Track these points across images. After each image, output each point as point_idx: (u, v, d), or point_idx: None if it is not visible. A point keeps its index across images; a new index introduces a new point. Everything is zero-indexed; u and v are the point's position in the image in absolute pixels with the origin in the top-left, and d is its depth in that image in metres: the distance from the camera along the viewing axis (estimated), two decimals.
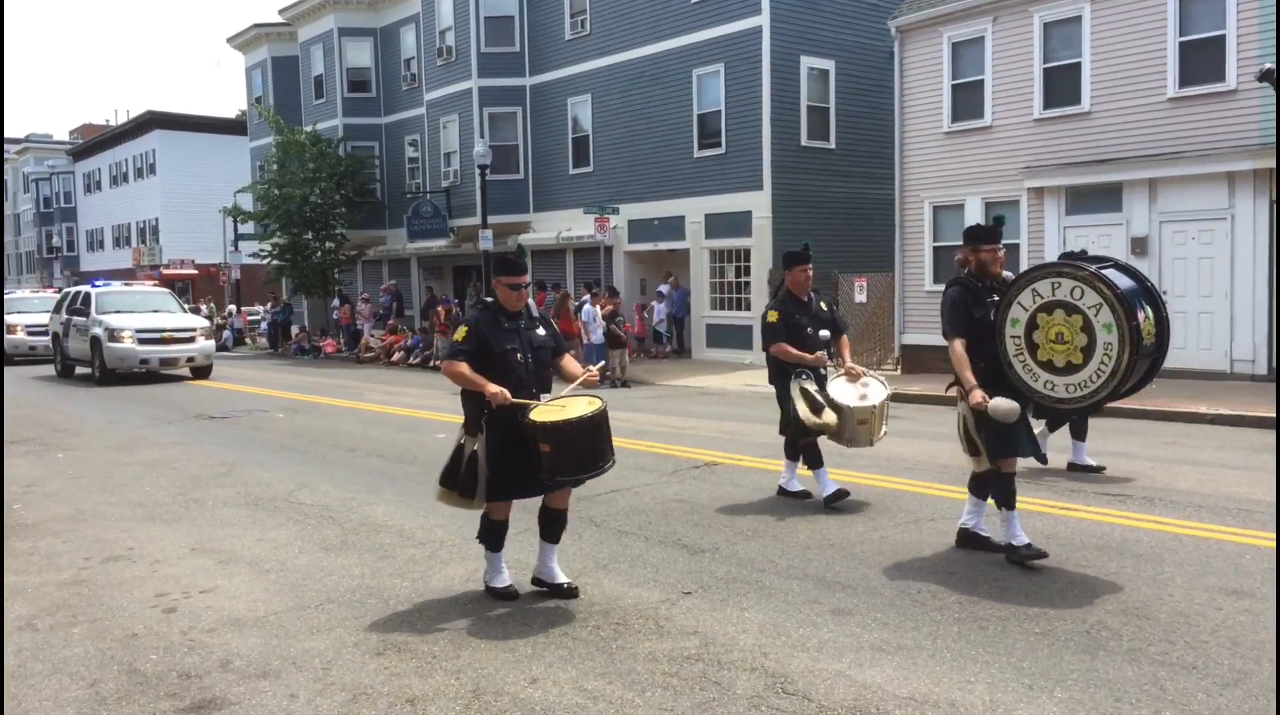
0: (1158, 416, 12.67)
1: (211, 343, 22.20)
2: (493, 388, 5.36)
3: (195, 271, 49.73)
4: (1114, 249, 16.68)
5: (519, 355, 5.57)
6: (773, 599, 5.67)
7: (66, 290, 25.28)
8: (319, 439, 12.44)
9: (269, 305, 36.87)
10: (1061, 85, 17.29)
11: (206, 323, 22.66)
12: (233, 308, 38.54)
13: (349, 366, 26.74)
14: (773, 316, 7.89)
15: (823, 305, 8.12)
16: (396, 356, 26.86)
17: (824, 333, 8.01)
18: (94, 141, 61.95)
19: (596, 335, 19.53)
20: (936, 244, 19.29)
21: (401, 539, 7.21)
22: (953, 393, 6.36)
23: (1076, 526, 7.13)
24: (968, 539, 6.53)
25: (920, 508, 7.78)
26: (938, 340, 21.37)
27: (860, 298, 20.50)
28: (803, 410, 7.59)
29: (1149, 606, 5.40)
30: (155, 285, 27.49)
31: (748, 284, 22.72)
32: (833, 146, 23.26)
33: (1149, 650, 4.80)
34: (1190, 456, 9.95)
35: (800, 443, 7.95)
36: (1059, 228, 17.34)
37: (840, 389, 7.76)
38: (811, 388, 7.71)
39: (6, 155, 68.00)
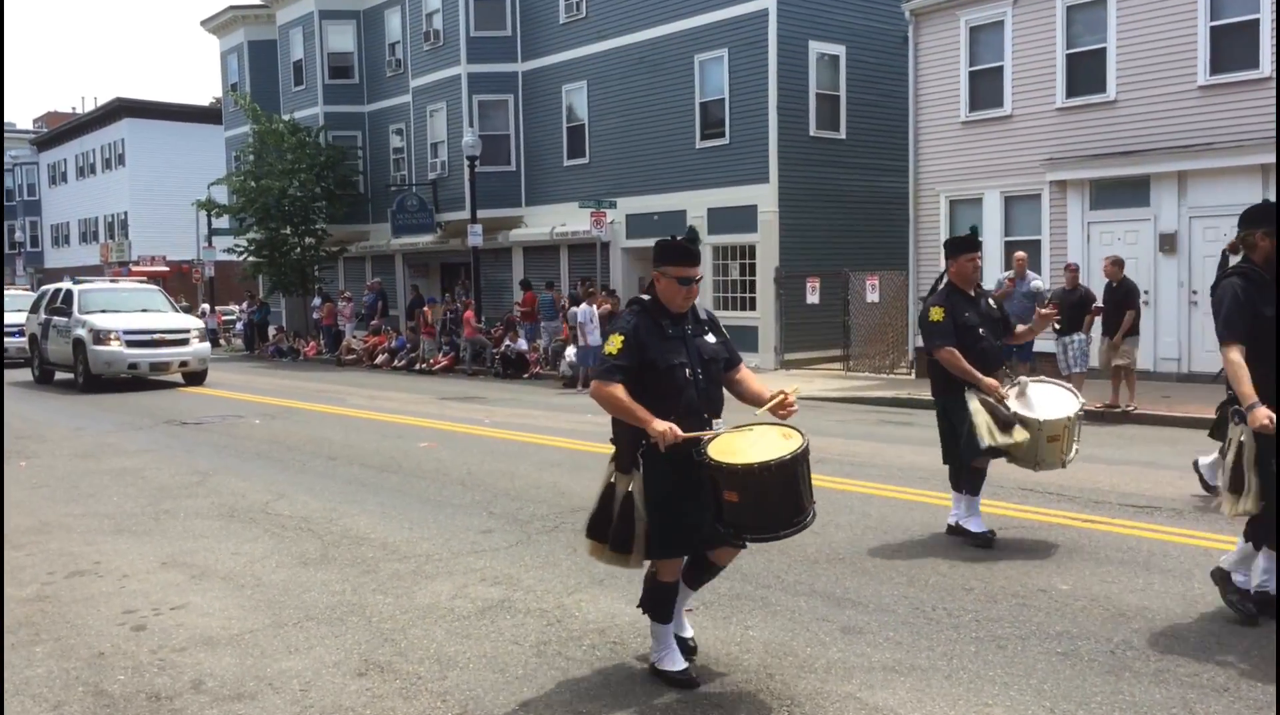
0: (1187, 423, 12.67)
1: (207, 345, 21.47)
2: (659, 425, 4.38)
3: (167, 269, 49.71)
4: (1141, 246, 16.72)
5: (687, 371, 4.59)
6: (778, 616, 5.67)
7: (45, 287, 24.56)
8: (297, 446, 12.44)
9: (245, 304, 36.87)
10: (1085, 72, 17.32)
11: (200, 323, 22.02)
12: (206, 307, 38.54)
13: (329, 369, 26.74)
14: (938, 314, 7.05)
15: (991, 302, 7.38)
16: (380, 359, 26.87)
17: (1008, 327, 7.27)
18: (59, 130, 61.93)
19: (594, 337, 19.53)
20: None
21: (385, 552, 7.21)
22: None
23: (1101, 539, 7.14)
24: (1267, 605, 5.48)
25: (935, 520, 7.78)
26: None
27: (872, 297, 20.52)
28: (985, 427, 6.76)
29: (1178, 625, 5.41)
30: (143, 281, 26.78)
31: (753, 283, 22.73)
32: (843, 137, 23.28)
33: (1177, 672, 4.80)
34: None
35: (973, 464, 7.07)
36: (1082, 223, 17.38)
37: (1022, 401, 6.98)
38: (993, 398, 6.90)
39: None
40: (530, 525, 7.94)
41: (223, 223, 36.57)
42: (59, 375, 22.08)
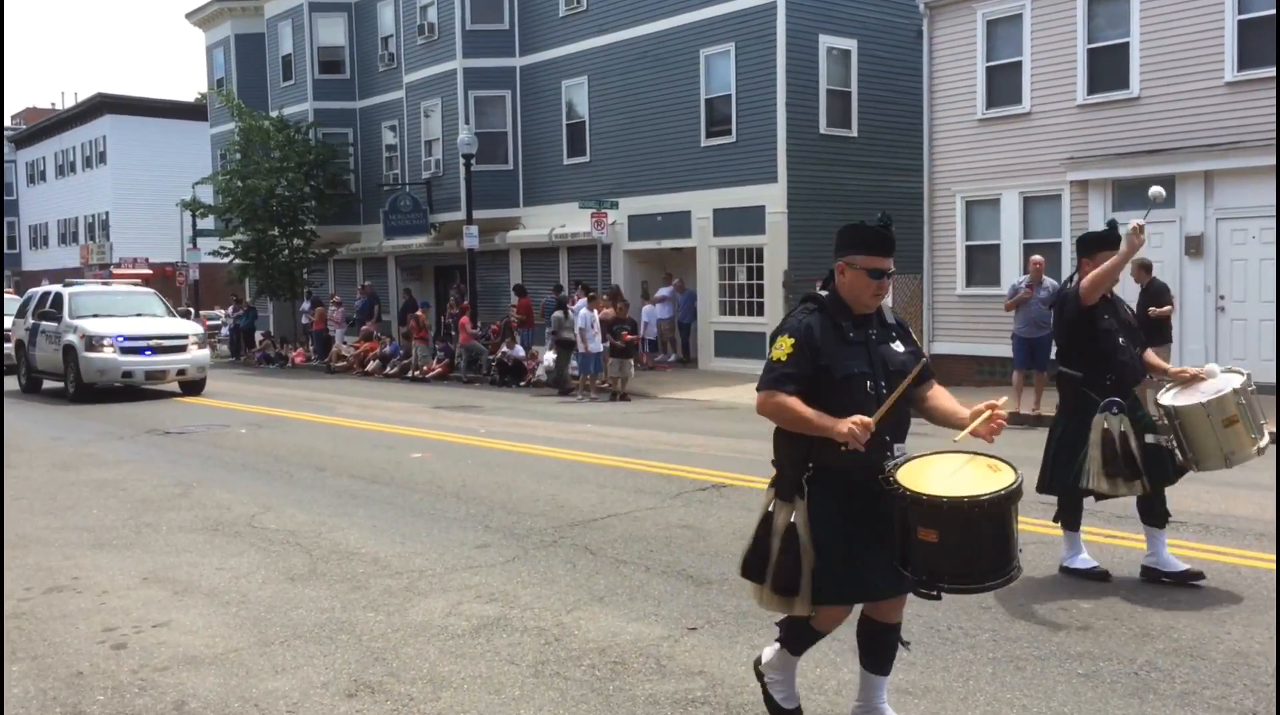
0: None
1: (206, 352, 21.13)
2: (843, 424, 3.81)
3: (149, 271, 49.77)
4: (1166, 249, 16.71)
5: (869, 382, 4.04)
6: None
7: (33, 291, 23.95)
8: (285, 457, 12.44)
9: (230, 309, 36.91)
10: (1108, 68, 17.33)
11: (199, 329, 21.69)
12: (190, 311, 38.59)
13: (319, 377, 26.76)
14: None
15: (1129, 308, 6.92)
16: (371, 366, 26.89)
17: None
18: (38, 127, 62.10)
19: (594, 343, 19.54)
20: (969, 243, 19.32)
21: (376, 568, 7.21)
22: None
23: (1124, 556, 7.13)
24: None
25: None
26: (970, 349, 21.35)
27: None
28: (1096, 468, 6.29)
29: (1204, 645, 5.40)
30: (137, 283, 26.26)
31: (760, 287, 22.74)
32: (854, 135, 23.31)
33: (1204, 694, 4.79)
34: (1249, 480, 9.91)
35: (1087, 489, 6.51)
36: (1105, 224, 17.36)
37: (1179, 395, 6.41)
38: (1123, 427, 6.29)
39: None
40: (528, 540, 7.93)
41: (208, 223, 36.61)
42: (47, 384, 21.67)
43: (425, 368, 25.09)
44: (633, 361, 20.15)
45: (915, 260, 20.60)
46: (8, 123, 74.23)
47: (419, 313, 26.60)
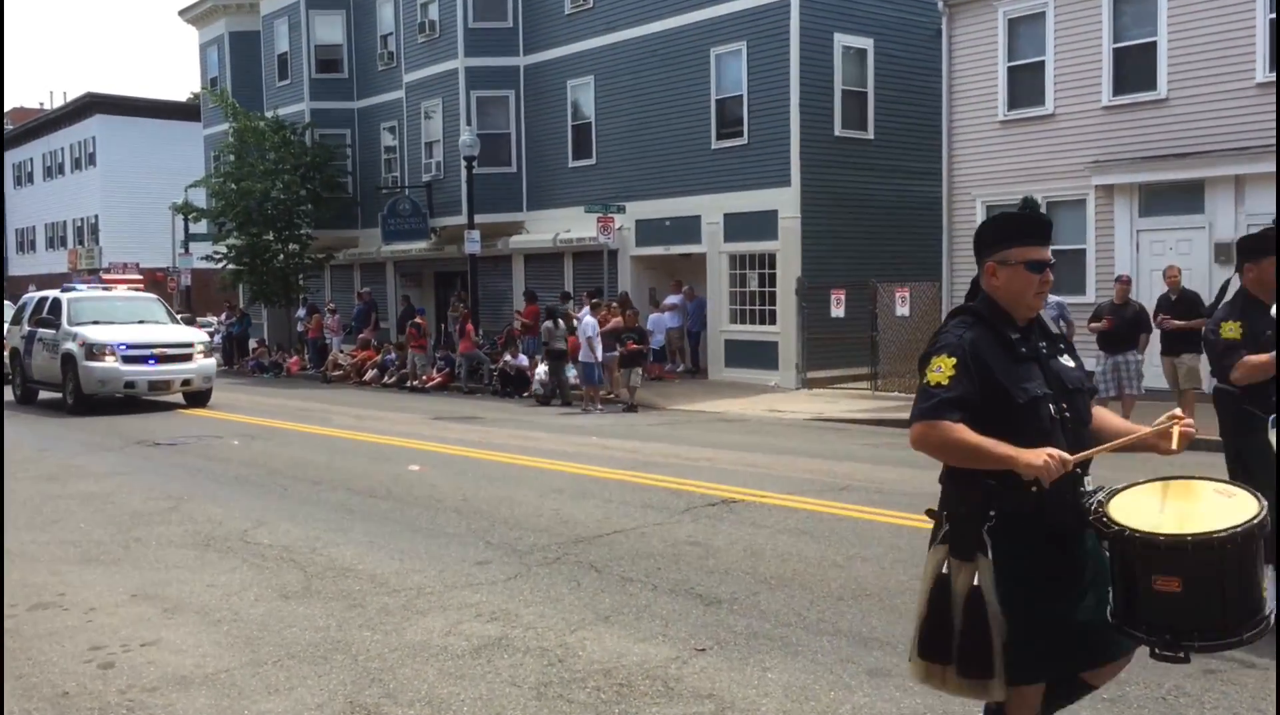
0: None
1: (211, 361, 20.87)
2: (1033, 456, 3.26)
3: (140, 277, 49.95)
4: (1195, 257, 16.69)
5: (1051, 406, 3.49)
6: (799, 657, 5.65)
7: (29, 296, 23.58)
8: (279, 470, 12.46)
9: (223, 315, 37.01)
10: (1134, 68, 17.33)
11: (204, 337, 21.39)
12: (193, 318, 38.69)
13: (314, 386, 26.80)
14: (1233, 330, 6.08)
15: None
16: (369, 375, 26.93)
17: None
18: (25, 127, 62.38)
19: (597, 352, 19.57)
20: None
21: (373, 585, 7.22)
22: None
23: None
24: None
25: None
26: None
27: (902, 310, 20.52)
28: None
29: (1234, 669, 5.37)
30: (138, 288, 25.79)
31: (773, 294, 22.74)
32: (871, 137, 23.32)
33: None
34: None
35: None
36: (1131, 231, 17.36)
37: None
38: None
39: None
40: (530, 556, 7.94)
41: (200, 228, 36.71)
42: (44, 394, 21.35)
43: (424, 377, 25.12)
44: (640, 370, 20.12)
45: (934, 267, 20.60)
46: None
47: (418, 320, 26.64)
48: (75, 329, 19.66)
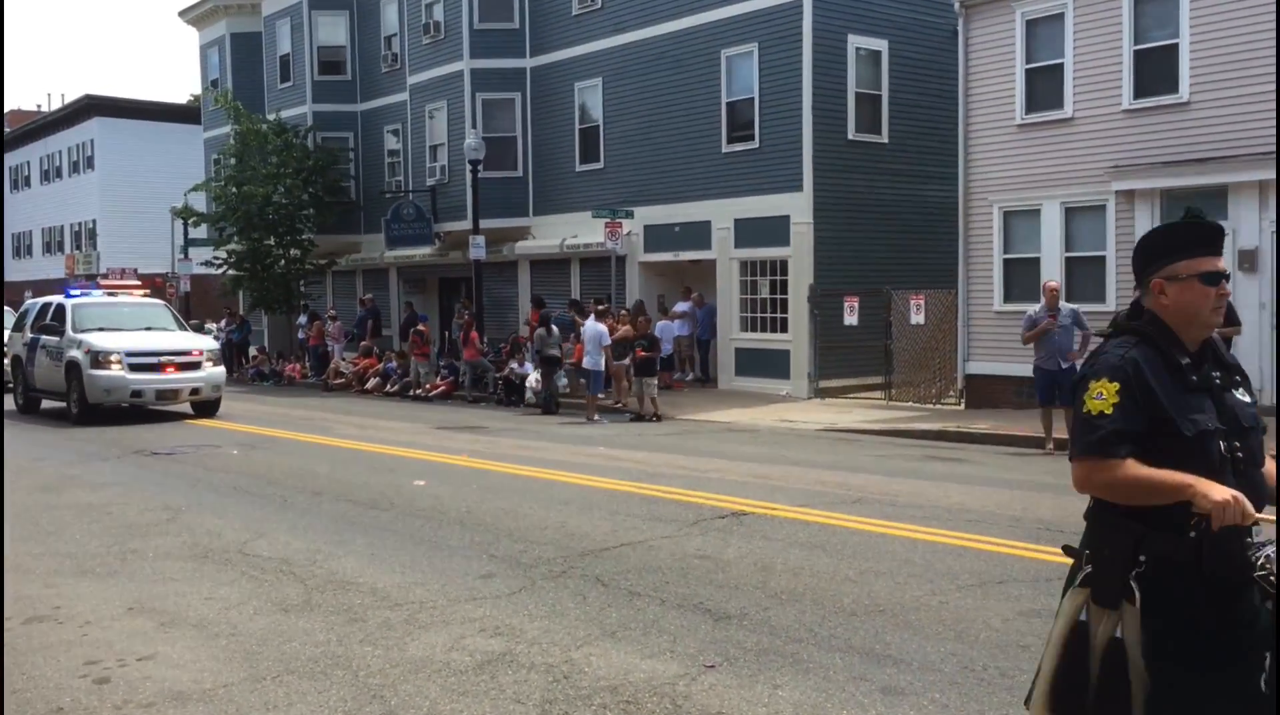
0: None
1: (220, 370, 20.61)
2: (1219, 492, 2.97)
3: (138, 282, 50.12)
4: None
5: (1222, 443, 3.17)
6: (811, 675, 5.64)
7: (32, 301, 23.31)
8: (279, 480, 12.48)
9: (223, 322, 37.06)
10: (1155, 70, 17.30)
11: (213, 344, 21.34)
12: (201, 325, 38.73)
13: (315, 395, 26.84)
14: None
15: None
16: (371, 383, 26.97)
17: None
18: (22, 130, 62.62)
19: (600, 360, 19.60)
20: (1007, 256, 19.28)
21: (374, 599, 7.22)
22: None
23: None
24: None
25: (987, 568, 7.74)
26: (1008, 369, 21.16)
27: (917, 318, 20.50)
28: None
29: None
30: (144, 294, 25.53)
31: (784, 302, 22.74)
32: (885, 140, 23.32)
33: None
34: None
35: None
36: None
37: None
38: None
39: None
40: (535, 570, 7.93)
41: (201, 232, 36.80)
42: (46, 403, 21.15)
43: (428, 386, 25.15)
44: (655, 379, 20.08)
45: (950, 274, 20.58)
46: None
47: (421, 327, 26.68)
48: (80, 336, 19.42)
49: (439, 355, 27.67)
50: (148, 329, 20.40)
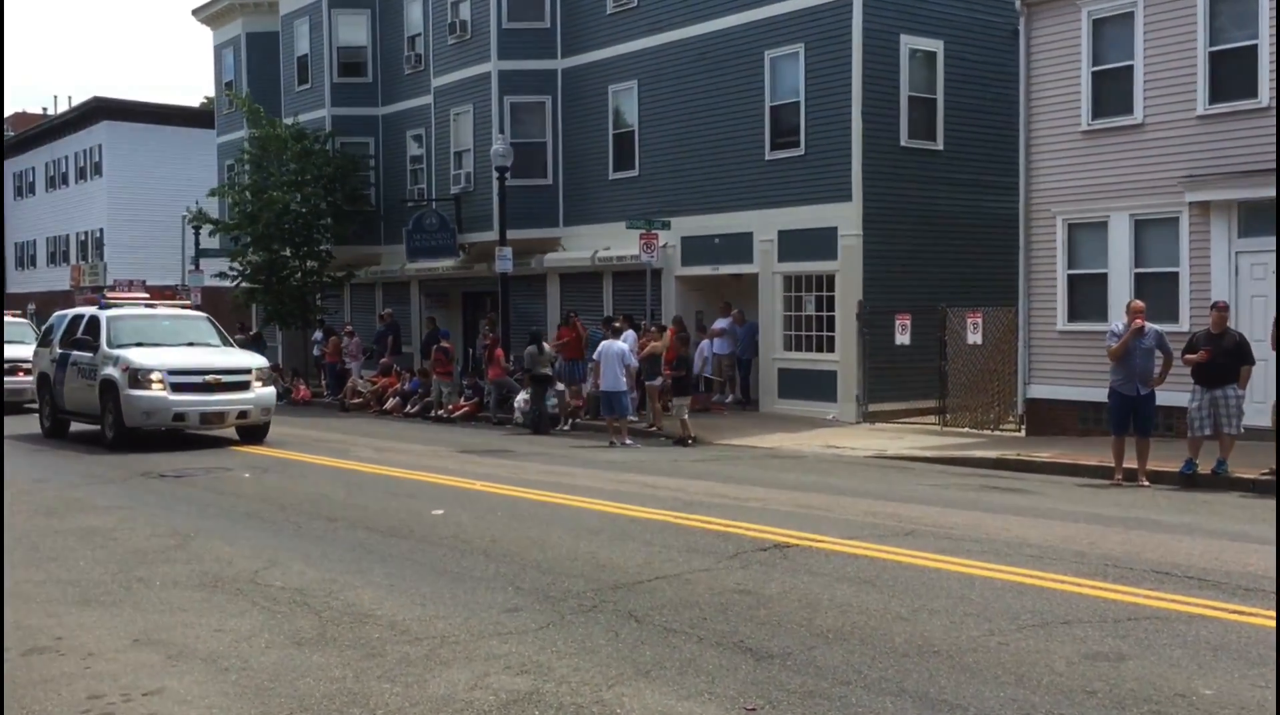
0: None
1: (271, 391, 19.77)
2: None
3: (147, 295, 50.64)
4: None
5: None
6: None
7: (62, 313, 22.39)
8: (293, 506, 12.54)
9: (236, 337, 37.34)
10: (1232, 73, 17.17)
11: (263, 362, 20.51)
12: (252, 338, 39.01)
13: (331, 415, 26.99)
14: None
15: None
16: (390, 403, 27.09)
17: None
18: (27, 134, 63.49)
19: (620, 381, 19.74)
20: (1072, 271, 19.15)
21: (393, 633, 7.24)
22: None
23: (1253, 634, 6.99)
24: None
25: (1050, 607, 7.67)
26: (1072, 393, 20.95)
27: (974, 338, 20.39)
28: None
29: None
30: (187, 307, 24.63)
31: (831, 319, 22.68)
32: (940, 147, 23.25)
33: None
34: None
35: None
36: (1229, 253, 17.16)
37: None
38: None
39: None
40: (564, 603, 7.93)
41: (214, 243, 37.12)
42: (75, 426, 20.38)
43: (450, 407, 25.25)
44: (687, 400, 20.13)
45: (1010, 291, 20.46)
46: None
47: (444, 344, 26.78)
48: (116, 352, 18.60)
49: (462, 374, 27.76)
50: (189, 344, 19.69)
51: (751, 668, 6.46)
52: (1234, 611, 7.54)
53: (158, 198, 50.96)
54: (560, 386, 22.93)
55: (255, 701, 5.95)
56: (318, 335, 33.03)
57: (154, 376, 18.02)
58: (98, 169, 55.13)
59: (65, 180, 58.87)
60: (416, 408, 26.15)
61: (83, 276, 54.09)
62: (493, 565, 9.23)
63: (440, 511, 12.02)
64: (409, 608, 7.86)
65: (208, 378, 18.48)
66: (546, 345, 22.19)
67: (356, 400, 28.38)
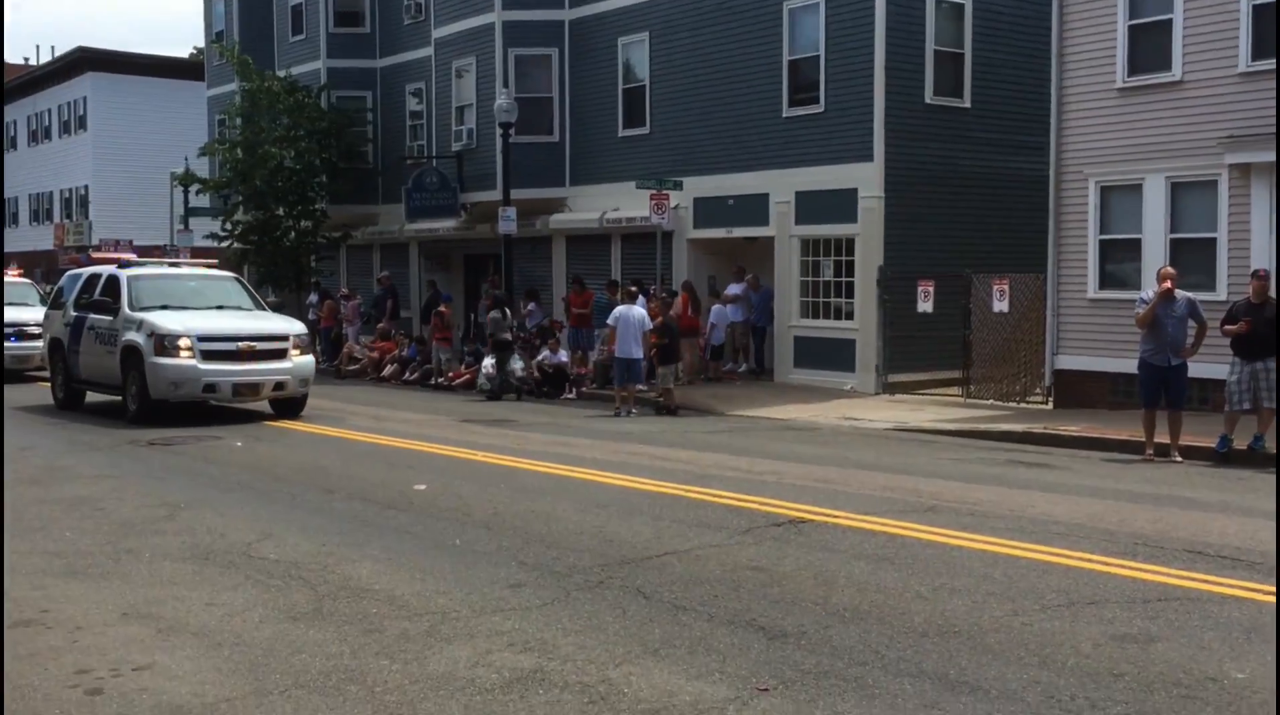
0: None
1: (309, 359, 18.62)
2: None
3: (134, 255, 50.64)
4: None
5: None
6: (876, 701, 5.64)
7: (77, 272, 21.34)
8: (287, 476, 12.60)
9: None
10: (1277, 28, 17.05)
11: (301, 328, 19.42)
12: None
13: (327, 382, 26.93)
14: None
15: None
16: (388, 370, 27.14)
17: None
18: (9, 86, 63.37)
19: (636, 348, 19.75)
20: (1104, 236, 19.08)
21: (391, 608, 7.29)
22: None
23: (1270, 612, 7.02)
24: None
25: (1076, 587, 7.69)
26: (1103, 364, 20.97)
27: (1000, 306, 20.35)
28: None
29: None
30: (211, 267, 23.65)
31: (850, 285, 22.65)
32: (967, 105, 23.14)
33: None
34: None
35: None
36: (1271, 218, 17.08)
37: None
38: None
39: None
40: (569, 579, 7.98)
41: (204, 201, 37.09)
42: (92, 396, 19.58)
43: (450, 374, 25.28)
44: (672, 368, 20.35)
45: (1038, 257, 20.40)
46: None
47: (442, 309, 26.77)
48: (140, 315, 17.63)
49: (463, 340, 27.79)
50: (219, 308, 18.81)
51: (764, 647, 6.49)
52: (1268, 593, 7.56)
53: (145, 153, 50.93)
54: (519, 362, 23.22)
55: (249, 677, 6.00)
56: (312, 298, 33.01)
57: (182, 343, 17.06)
58: (82, 123, 55.06)
59: (49, 134, 58.84)
60: (415, 375, 26.19)
61: (67, 235, 54.12)
62: (495, 539, 9.27)
63: (422, 486, 11.96)
64: (408, 582, 7.91)
65: (241, 345, 17.54)
66: (508, 311, 22.45)
67: (353, 366, 28.43)
